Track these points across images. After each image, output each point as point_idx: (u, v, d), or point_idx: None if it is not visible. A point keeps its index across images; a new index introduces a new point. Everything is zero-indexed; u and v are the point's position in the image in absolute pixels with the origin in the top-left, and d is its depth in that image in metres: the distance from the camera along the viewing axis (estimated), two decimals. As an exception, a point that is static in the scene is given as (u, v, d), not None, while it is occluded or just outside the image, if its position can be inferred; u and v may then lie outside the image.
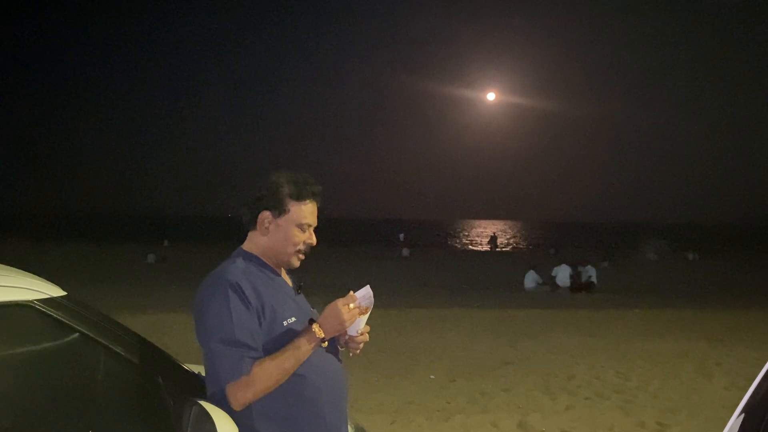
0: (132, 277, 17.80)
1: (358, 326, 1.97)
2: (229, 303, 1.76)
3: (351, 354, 2.09)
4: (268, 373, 1.72)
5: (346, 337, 2.01)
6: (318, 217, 2.03)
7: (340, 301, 1.88)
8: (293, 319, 1.87)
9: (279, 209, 1.94)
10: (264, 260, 1.97)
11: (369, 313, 1.99)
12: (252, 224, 1.98)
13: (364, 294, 1.96)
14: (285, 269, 2.08)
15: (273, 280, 1.95)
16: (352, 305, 1.88)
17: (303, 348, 1.79)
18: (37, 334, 1.61)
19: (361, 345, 2.05)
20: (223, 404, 1.72)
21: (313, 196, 1.98)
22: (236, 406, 1.71)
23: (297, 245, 1.96)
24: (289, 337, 1.82)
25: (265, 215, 1.95)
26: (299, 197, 1.95)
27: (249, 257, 1.96)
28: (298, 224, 1.95)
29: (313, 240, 2.00)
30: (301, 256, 2.00)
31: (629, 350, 8.15)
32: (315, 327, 1.83)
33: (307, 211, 1.96)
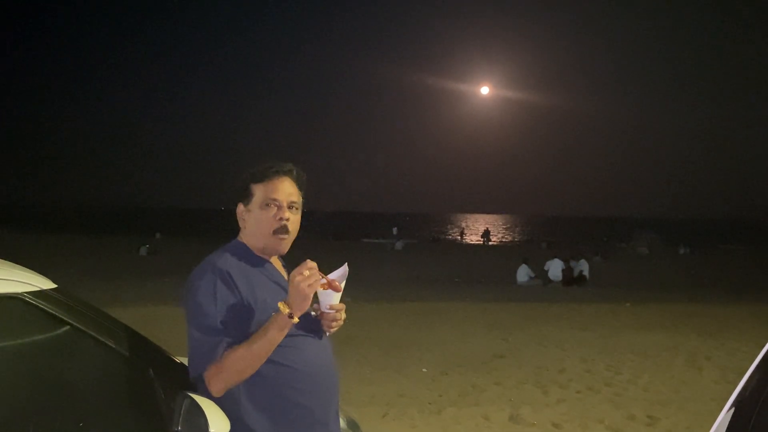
0: (124, 269, 17.74)
1: (329, 301, 1.90)
2: (215, 290, 1.74)
3: (326, 334, 1.99)
4: (237, 357, 1.69)
5: (319, 312, 1.94)
6: (306, 197, 1.99)
7: (294, 273, 1.78)
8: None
9: (246, 197, 1.93)
10: (254, 251, 1.94)
11: (342, 289, 1.90)
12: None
13: (342, 273, 1.93)
14: (280, 260, 2.06)
15: (265, 270, 1.92)
16: (306, 272, 1.77)
17: (271, 328, 1.72)
18: (27, 327, 1.60)
19: (335, 324, 1.95)
20: (203, 390, 1.73)
21: (275, 174, 1.93)
22: (213, 392, 1.70)
23: (270, 225, 1.89)
24: None
25: (240, 208, 1.95)
26: (259, 178, 1.92)
27: (241, 247, 1.94)
28: (263, 203, 1.90)
29: (283, 214, 1.89)
30: (282, 237, 1.91)
31: (620, 344, 8.20)
32: (280, 304, 1.74)
33: (270, 188, 1.91)
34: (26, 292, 1.56)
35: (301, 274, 1.76)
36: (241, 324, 1.75)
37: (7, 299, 1.52)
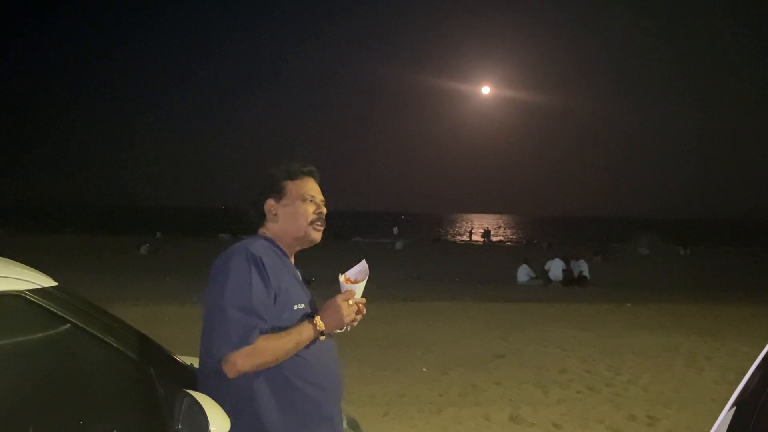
0: (124, 268, 17.75)
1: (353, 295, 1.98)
2: (250, 273, 1.79)
3: (347, 328, 2.04)
4: (270, 349, 1.75)
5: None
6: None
7: (339, 297, 1.92)
8: (302, 305, 1.92)
9: (279, 193, 2.03)
10: (280, 245, 2.02)
11: (364, 283, 2.00)
12: (261, 219, 2.06)
13: (360, 269, 2.02)
14: (297, 264, 2.10)
15: (287, 265, 1.99)
16: (351, 301, 1.92)
17: (305, 334, 1.83)
18: (27, 325, 1.60)
19: (357, 317, 2.01)
20: (205, 385, 1.78)
21: (309, 173, 2.08)
22: (231, 373, 1.72)
23: (309, 217, 2.02)
24: (296, 321, 1.86)
25: (270, 203, 2.04)
26: (293, 176, 2.05)
27: (269, 241, 2.01)
28: (301, 198, 2.02)
29: (323, 209, 2.06)
30: (319, 226, 2.04)
31: (620, 344, 8.20)
32: (317, 320, 1.87)
33: (306, 185, 2.05)
34: (27, 290, 1.56)
35: (346, 301, 1.92)
36: (268, 312, 1.80)
37: (7, 297, 1.52)
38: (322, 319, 1.88)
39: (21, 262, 1.73)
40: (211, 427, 1.59)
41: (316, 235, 2.04)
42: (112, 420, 1.72)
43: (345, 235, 41.98)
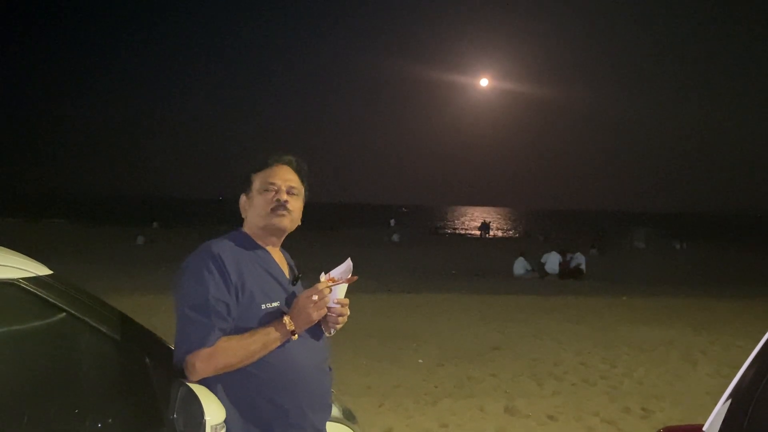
0: (121, 258, 17.74)
1: (335, 296, 1.89)
2: (208, 273, 1.74)
3: (331, 331, 1.99)
4: (232, 351, 1.70)
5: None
6: (310, 189, 2.06)
7: (303, 294, 1.82)
8: (275, 304, 1.84)
9: (247, 187, 2.00)
10: (255, 240, 1.95)
11: (347, 284, 1.91)
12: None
13: (344, 269, 1.92)
14: (285, 257, 2.06)
15: (262, 260, 1.91)
16: (315, 297, 1.80)
17: (272, 335, 1.75)
18: (22, 313, 1.59)
19: (341, 320, 1.94)
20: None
21: (274, 162, 2.00)
22: (192, 376, 1.68)
23: (267, 206, 1.92)
24: (264, 321, 1.79)
25: (242, 199, 2.01)
26: (260, 168, 1.99)
27: (242, 236, 1.96)
28: (259, 189, 1.95)
29: (281, 196, 1.93)
30: (281, 213, 1.93)
31: (616, 337, 8.23)
32: (286, 319, 1.78)
33: (268, 174, 1.97)
34: (22, 278, 1.55)
35: (310, 298, 1.80)
36: (230, 310, 1.74)
37: (2, 285, 1.51)
38: (291, 318, 1.79)
39: (16, 249, 1.72)
40: (206, 417, 1.58)
41: (279, 221, 1.92)
42: (107, 409, 1.72)
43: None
